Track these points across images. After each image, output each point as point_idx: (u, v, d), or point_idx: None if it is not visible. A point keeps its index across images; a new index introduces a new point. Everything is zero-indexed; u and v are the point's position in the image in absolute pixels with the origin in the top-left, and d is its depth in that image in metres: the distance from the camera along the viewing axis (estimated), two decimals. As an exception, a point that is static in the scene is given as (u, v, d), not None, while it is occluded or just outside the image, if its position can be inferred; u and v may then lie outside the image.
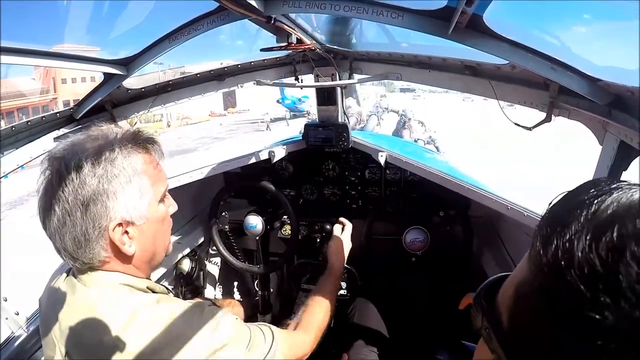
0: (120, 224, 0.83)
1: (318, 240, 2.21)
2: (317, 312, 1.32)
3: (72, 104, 1.58)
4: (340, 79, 1.82)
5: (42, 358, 1.43)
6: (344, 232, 1.79)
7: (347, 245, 1.74)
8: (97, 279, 0.85)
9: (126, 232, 0.85)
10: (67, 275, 0.91)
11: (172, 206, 1.00)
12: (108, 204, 0.81)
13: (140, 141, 0.90)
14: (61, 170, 0.79)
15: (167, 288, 1.01)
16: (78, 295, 0.85)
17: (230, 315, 0.93)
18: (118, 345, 0.78)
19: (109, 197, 0.80)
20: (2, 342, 1.36)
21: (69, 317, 0.84)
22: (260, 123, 29.65)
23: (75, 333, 0.82)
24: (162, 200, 0.93)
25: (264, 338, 0.95)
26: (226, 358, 0.84)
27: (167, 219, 0.97)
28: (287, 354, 1.01)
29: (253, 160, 2.07)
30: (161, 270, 2.01)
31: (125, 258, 0.87)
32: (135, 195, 0.84)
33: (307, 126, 2.11)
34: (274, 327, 1.02)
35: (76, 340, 0.82)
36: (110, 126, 0.92)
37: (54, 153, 0.84)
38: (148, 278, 0.96)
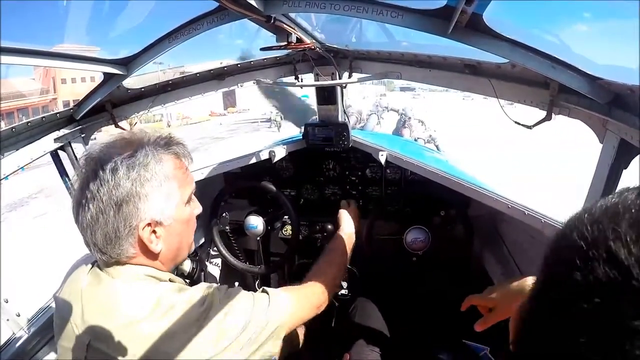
0: (149, 224, 0.88)
1: (319, 240, 2.21)
2: (332, 263, 1.41)
3: (72, 104, 1.58)
4: (340, 78, 1.82)
5: (44, 358, 1.44)
6: (350, 206, 1.90)
7: (356, 217, 1.82)
8: (124, 271, 0.90)
9: (154, 231, 0.90)
10: (92, 268, 0.95)
11: (197, 208, 1.05)
12: (139, 205, 0.86)
13: (172, 146, 0.96)
14: (97, 170, 0.85)
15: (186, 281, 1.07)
16: (104, 285, 0.89)
17: (244, 296, 1.02)
18: (143, 329, 0.83)
19: (140, 199, 0.86)
20: (2, 343, 1.36)
21: (93, 307, 0.88)
22: (260, 122, 29.66)
23: (100, 321, 0.85)
24: (188, 202, 0.99)
25: (258, 300, 1.02)
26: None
27: (192, 219, 1.02)
28: (296, 303, 1.11)
29: (253, 160, 2.07)
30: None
31: (151, 255, 0.92)
32: (164, 198, 0.90)
33: (307, 125, 2.11)
34: (270, 289, 1.09)
35: (100, 328, 0.85)
36: (143, 130, 0.98)
37: (91, 153, 0.90)
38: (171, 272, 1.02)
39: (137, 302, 0.86)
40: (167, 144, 0.95)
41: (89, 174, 0.86)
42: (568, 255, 0.35)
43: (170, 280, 0.97)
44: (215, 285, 1.00)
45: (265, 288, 1.08)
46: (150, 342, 0.82)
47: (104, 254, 0.88)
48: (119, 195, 0.84)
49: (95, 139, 1.67)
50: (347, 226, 1.72)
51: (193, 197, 1.02)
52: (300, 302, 1.14)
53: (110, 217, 0.84)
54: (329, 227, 2.13)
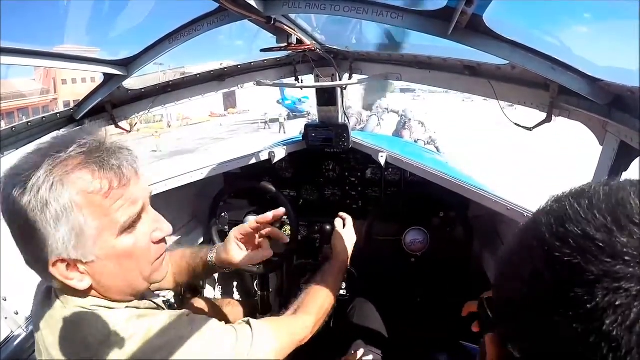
0: (61, 261, 0.71)
1: (318, 240, 2.21)
2: (319, 295, 1.26)
3: (72, 105, 1.58)
4: (340, 80, 1.82)
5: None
6: (346, 227, 1.74)
7: (351, 239, 1.68)
8: (73, 300, 0.77)
9: (73, 265, 0.73)
10: (48, 292, 0.83)
11: (158, 231, 0.82)
12: (40, 241, 0.69)
13: (92, 159, 0.71)
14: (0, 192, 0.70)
15: (154, 303, 0.90)
16: (56, 312, 0.78)
17: (210, 323, 0.85)
18: None
19: (40, 231, 0.68)
20: (1, 341, 1.36)
21: (46, 331, 0.79)
22: (260, 123, 29.68)
23: (55, 348, 0.77)
24: (127, 230, 0.76)
25: (240, 337, 0.87)
26: None
27: (137, 251, 0.78)
28: (281, 340, 0.95)
29: (253, 160, 2.07)
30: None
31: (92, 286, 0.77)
32: (68, 233, 0.69)
33: (307, 127, 2.11)
34: (253, 321, 0.94)
35: (56, 356, 0.77)
36: (71, 134, 0.77)
37: (6, 171, 0.72)
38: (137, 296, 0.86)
39: (87, 336, 0.75)
40: (88, 154, 0.71)
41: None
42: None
43: (129, 307, 0.82)
44: (185, 314, 0.84)
45: (249, 321, 0.93)
46: None
47: (44, 279, 0.77)
48: (19, 228, 0.70)
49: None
50: (341, 253, 1.55)
51: (146, 217, 0.80)
52: (284, 339, 0.98)
53: (20, 247, 0.73)
54: (328, 227, 2.13)
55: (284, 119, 26.57)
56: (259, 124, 30.03)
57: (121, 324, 0.76)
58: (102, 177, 0.71)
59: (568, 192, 0.40)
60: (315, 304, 1.21)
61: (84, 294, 0.77)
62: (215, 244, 1.57)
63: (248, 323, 0.92)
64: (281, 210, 1.22)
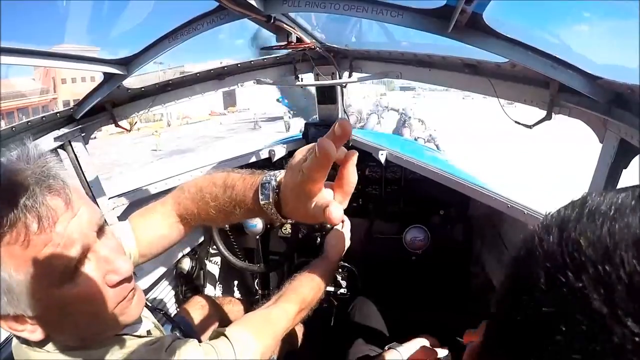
0: (3, 317, 0.62)
1: (318, 239, 2.21)
2: (303, 285, 1.16)
3: (72, 104, 1.58)
4: (340, 78, 1.82)
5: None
6: (343, 227, 1.72)
7: (347, 240, 1.62)
8: (29, 349, 0.69)
9: (22, 319, 0.63)
10: None
11: (110, 274, 0.68)
12: None
13: (19, 200, 0.57)
14: None
15: (135, 336, 0.79)
16: (21, 352, 0.70)
17: (190, 350, 0.77)
18: None
19: None
20: (1, 340, 1.37)
21: None
22: (251, 122, 29.68)
23: None
24: (69, 279, 0.63)
25: (222, 353, 0.79)
26: None
27: (86, 300, 0.65)
28: (262, 339, 0.89)
29: (253, 159, 2.07)
30: (161, 270, 2.02)
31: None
32: None
33: (307, 125, 2.11)
34: (229, 330, 0.86)
35: None
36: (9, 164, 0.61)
37: None
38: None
39: None
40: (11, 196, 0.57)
41: None
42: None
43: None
44: (163, 348, 0.76)
45: (225, 332, 0.85)
46: None
47: None
48: None
49: (95, 138, 1.67)
50: (331, 251, 1.47)
51: (97, 255, 0.67)
52: (265, 337, 0.91)
53: None
54: (328, 226, 2.13)
55: (289, 117, 26.29)
56: (251, 123, 29.94)
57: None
58: (12, 223, 0.57)
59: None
60: (297, 294, 1.11)
61: (43, 342, 0.67)
62: (215, 243, 1.46)
63: (224, 334, 0.84)
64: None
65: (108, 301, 0.68)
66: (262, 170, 0.76)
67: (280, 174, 0.71)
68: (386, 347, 1.39)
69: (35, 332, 0.64)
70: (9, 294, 0.59)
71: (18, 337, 0.69)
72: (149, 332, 0.84)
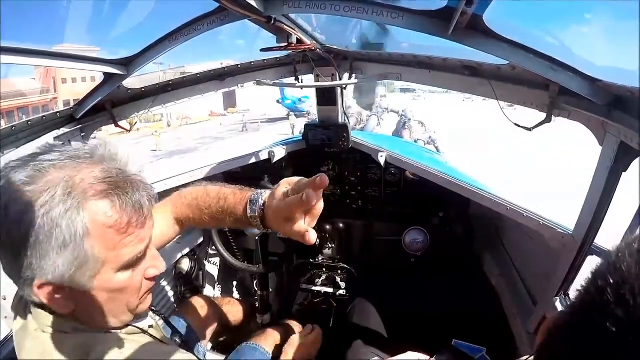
0: (49, 284, 0.66)
1: (318, 240, 2.21)
2: None
3: (72, 104, 1.58)
4: (340, 79, 1.82)
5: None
6: (312, 333, 1.66)
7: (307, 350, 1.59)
8: (48, 318, 0.73)
9: (61, 290, 0.68)
10: (19, 304, 0.79)
11: (152, 268, 0.79)
12: (33, 260, 0.64)
13: (114, 191, 0.67)
14: None
15: (138, 328, 0.84)
16: (29, 336, 0.74)
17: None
18: None
19: (37, 250, 0.63)
20: (1, 340, 1.36)
21: (19, 344, 0.76)
22: (260, 123, 29.64)
23: None
24: (129, 266, 0.73)
25: None
26: None
27: (130, 287, 0.75)
28: None
29: (253, 160, 2.07)
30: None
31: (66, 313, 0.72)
32: (69, 261, 0.65)
33: (307, 126, 2.11)
34: None
35: None
36: (93, 150, 0.71)
37: (2, 174, 0.66)
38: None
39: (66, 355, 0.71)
40: (112, 184, 0.67)
41: None
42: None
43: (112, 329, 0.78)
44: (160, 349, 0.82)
45: None
46: None
47: (21, 292, 0.72)
48: (12, 239, 0.63)
49: (95, 138, 1.67)
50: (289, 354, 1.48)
51: (148, 255, 0.78)
52: None
53: (5, 260, 0.67)
54: (328, 227, 2.13)
55: (294, 118, 25.91)
56: (259, 123, 29.85)
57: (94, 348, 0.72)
58: (121, 212, 0.67)
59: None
60: None
61: (61, 315, 0.72)
62: (214, 244, 1.48)
63: None
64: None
65: (141, 291, 0.78)
66: (249, 187, 0.95)
67: (265, 194, 0.87)
68: None
69: (65, 306, 0.70)
70: (78, 269, 0.66)
71: (19, 318, 0.77)
72: (150, 327, 0.89)
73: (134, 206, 0.69)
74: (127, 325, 0.81)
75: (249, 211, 0.87)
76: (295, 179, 0.78)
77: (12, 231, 0.63)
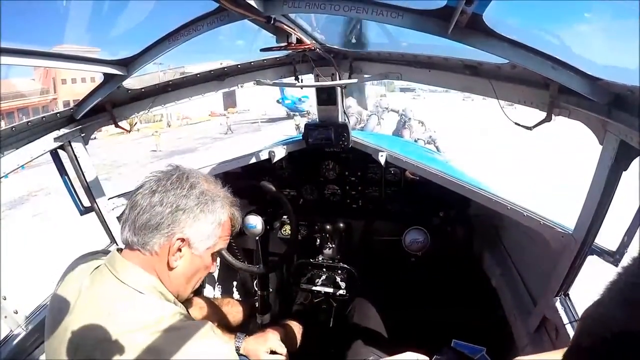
0: (182, 240, 0.96)
1: (318, 240, 2.21)
2: None
3: (72, 105, 1.58)
4: (340, 79, 1.82)
5: (41, 356, 1.44)
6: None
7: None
8: (132, 274, 0.93)
9: (181, 249, 0.97)
10: (96, 268, 0.98)
11: (212, 267, 1.10)
12: (187, 222, 0.96)
13: (234, 207, 1.11)
14: (181, 178, 1.00)
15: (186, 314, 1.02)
16: (107, 287, 0.92)
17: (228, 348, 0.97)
18: (137, 338, 0.83)
19: (193, 219, 0.97)
20: (1, 339, 1.37)
21: (90, 310, 0.88)
22: (260, 123, 29.62)
23: (95, 325, 0.85)
24: (213, 254, 1.06)
25: None
26: None
27: (207, 268, 1.07)
28: None
29: (253, 160, 2.07)
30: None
31: (165, 267, 0.97)
32: (206, 234, 1.00)
33: (307, 126, 2.11)
34: None
35: (94, 333, 0.85)
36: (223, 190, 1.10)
37: (181, 166, 1.05)
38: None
39: (138, 313, 0.87)
40: (233, 204, 1.10)
41: (172, 176, 0.99)
42: None
43: (175, 304, 0.99)
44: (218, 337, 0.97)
45: None
46: (141, 353, 0.83)
47: (135, 235, 0.94)
48: (183, 204, 0.96)
49: (95, 138, 1.67)
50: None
51: (219, 257, 1.13)
52: None
53: (164, 212, 0.94)
54: (328, 227, 2.13)
55: (299, 117, 25.65)
56: (259, 123, 29.77)
57: (170, 317, 0.90)
58: (235, 219, 1.11)
59: None
60: None
61: (151, 271, 0.95)
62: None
63: None
64: None
65: (204, 272, 1.08)
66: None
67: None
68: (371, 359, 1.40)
69: (177, 262, 0.98)
70: (208, 237, 1.01)
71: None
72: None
73: (238, 220, 1.13)
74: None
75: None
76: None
77: (189, 198, 0.97)
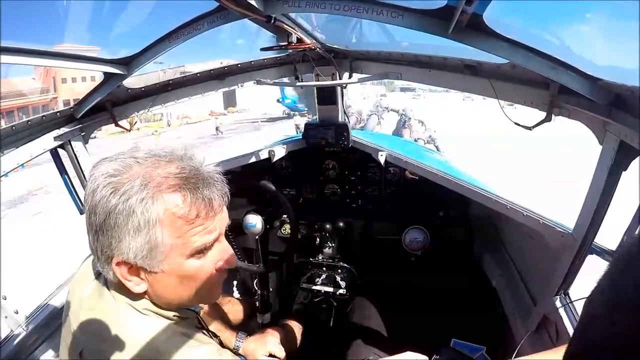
0: (125, 263, 0.77)
1: (318, 239, 2.21)
2: None
3: (72, 104, 1.58)
4: (340, 79, 1.82)
5: (41, 356, 1.45)
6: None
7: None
8: (125, 298, 0.83)
9: (136, 270, 0.79)
10: (97, 277, 0.89)
11: (221, 261, 0.86)
12: (112, 240, 0.75)
13: (186, 187, 0.76)
14: (89, 189, 0.76)
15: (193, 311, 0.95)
16: (104, 302, 0.84)
17: None
18: (136, 350, 0.78)
19: (116, 232, 0.74)
20: (1, 340, 1.37)
21: (91, 318, 0.83)
22: (260, 122, 29.60)
23: (95, 334, 0.82)
24: (197, 254, 0.81)
25: None
26: None
27: (200, 275, 0.83)
28: None
29: (253, 159, 2.07)
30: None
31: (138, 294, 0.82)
32: (142, 243, 0.75)
33: (307, 125, 2.12)
34: None
35: (95, 341, 0.82)
36: (173, 153, 0.81)
37: (96, 166, 0.79)
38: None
39: (134, 329, 0.80)
40: (185, 179, 0.77)
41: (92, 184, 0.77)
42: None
43: (175, 317, 0.87)
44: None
45: None
46: None
47: (101, 268, 0.81)
48: (96, 220, 0.75)
49: (95, 137, 1.67)
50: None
51: (220, 244, 0.86)
52: None
53: (92, 238, 0.78)
54: (328, 226, 2.13)
55: (299, 117, 25.19)
56: (259, 122, 29.73)
57: (162, 339, 0.80)
58: (191, 205, 0.76)
59: None
60: None
61: (136, 295, 0.82)
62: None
63: None
64: None
65: (210, 281, 0.85)
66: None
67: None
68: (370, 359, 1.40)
69: (140, 286, 0.80)
70: (150, 251, 0.76)
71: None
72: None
73: (204, 200, 0.78)
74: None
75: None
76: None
77: (97, 213, 0.74)
